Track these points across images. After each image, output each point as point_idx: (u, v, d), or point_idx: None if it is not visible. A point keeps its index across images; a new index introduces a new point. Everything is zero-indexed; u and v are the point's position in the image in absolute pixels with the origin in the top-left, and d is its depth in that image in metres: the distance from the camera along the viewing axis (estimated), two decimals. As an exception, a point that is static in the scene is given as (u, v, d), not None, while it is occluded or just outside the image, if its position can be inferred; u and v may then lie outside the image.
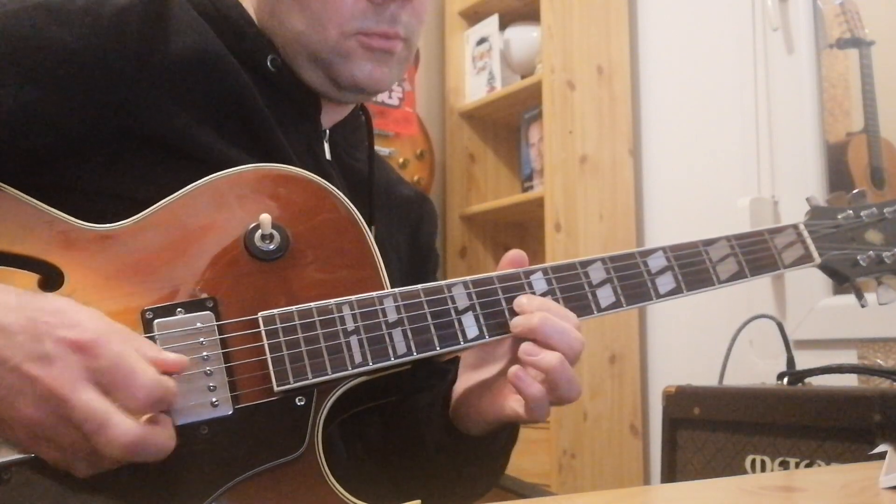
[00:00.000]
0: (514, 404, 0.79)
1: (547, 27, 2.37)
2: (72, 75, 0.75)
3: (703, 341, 2.14)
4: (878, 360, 1.79)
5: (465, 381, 0.86)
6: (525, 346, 0.77)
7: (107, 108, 0.77)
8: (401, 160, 2.67)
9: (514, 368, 0.77)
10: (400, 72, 0.94)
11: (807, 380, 1.39)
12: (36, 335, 0.61)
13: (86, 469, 0.64)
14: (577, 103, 2.37)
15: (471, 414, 0.84)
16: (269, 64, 0.89)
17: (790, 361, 1.51)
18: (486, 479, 0.94)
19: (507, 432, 0.88)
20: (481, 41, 2.73)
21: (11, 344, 0.61)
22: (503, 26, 2.68)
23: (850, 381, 1.60)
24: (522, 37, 2.64)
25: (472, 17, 2.80)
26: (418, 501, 0.70)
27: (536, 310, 0.77)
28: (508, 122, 2.78)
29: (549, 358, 0.75)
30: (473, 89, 2.75)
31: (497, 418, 0.82)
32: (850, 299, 1.00)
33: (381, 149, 2.60)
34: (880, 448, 1.00)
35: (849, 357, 1.84)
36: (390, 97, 2.63)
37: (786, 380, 1.40)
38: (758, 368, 1.83)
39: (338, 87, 0.92)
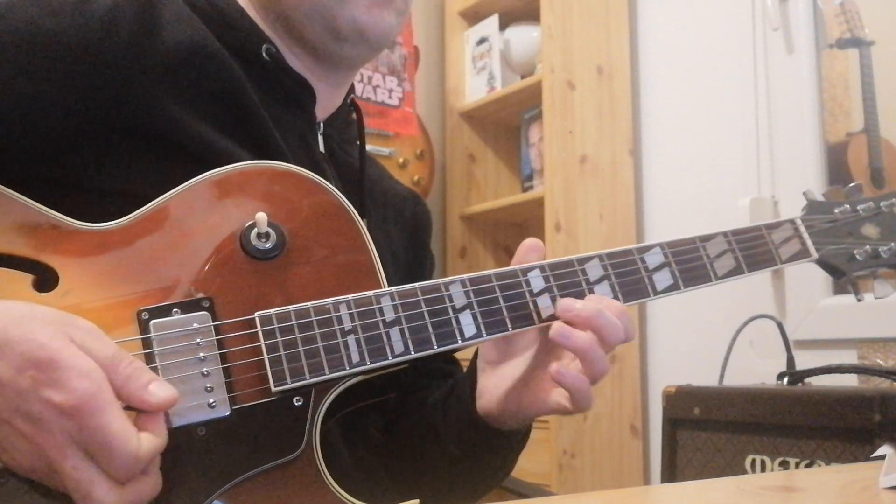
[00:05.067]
0: (558, 398, 0.80)
1: (547, 27, 2.37)
2: (64, 69, 0.75)
3: (703, 341, 2.14)
4: (878, 360, 1.79)
5: (495, 380, 0.85)
6: (558, 328, 0.78)
7: (100, 103, 0.77)
8: (401, 160, 2.66)
9: (555, 366, 0.78)
10: (398, 23, 0.95)
11: (807, 380, 1.39)
12: (21, 392, 0.60)
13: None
14: (577, 103, 2.37)
15: (509, 412, 0.84)
16: (263, 53, 0.90)
17: (790, 361, 1.51)
18: (501, 473, 0.95)
19: (523, 427, 0.89)
20: (481, 41, 2.73)
21: (1, 395, 0.60)
22: (503, 26, 2.68)
23: (850, 381, 1.60)
24: (522, 37, 2.64)
25: (472, 17, 2.80)
26: (416, 501, 0.69)
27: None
28: (508, 122, 2.78)
29: (582, 338, 0.76)
30: (473, 89, 2.75)
31: (539, 413, 0.83)
32: (850, 299, 1.00)
33: (381, 149, 2.60)
34: (881, 451, 1.00)
35: (849, 357, 1.84)
36: (390, 97, 2.63)
37: (786, 380, 1.40)
38: (758, 368, 1.83)
39: (339, 40, 0.92)
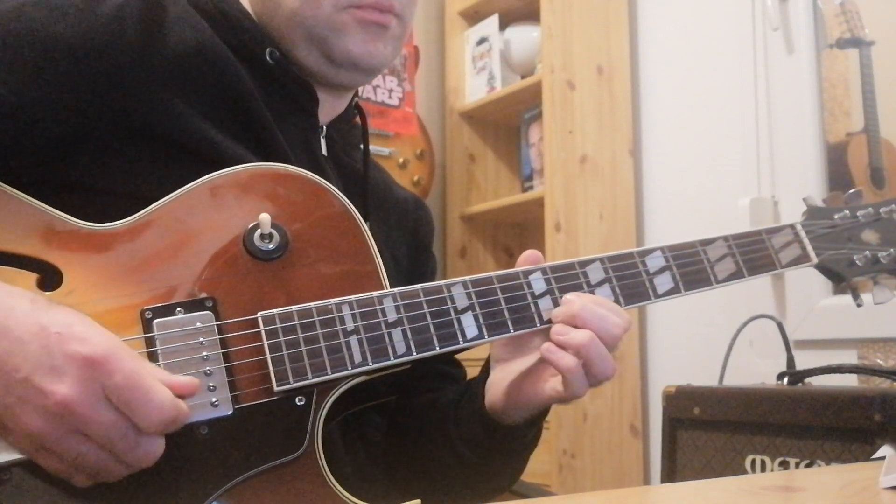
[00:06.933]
0: (553, 383, 0.81)
1: (547, 27, 2.37)
2: (71, 71, 0.75)
3: (703, 341, 2.14)
4: (878, 360, 1.79)
5: (501, 374, 0.86)
6: (556, 328, 0.79)
7: (106, 104, 0.77)
8: (401, 160, 2.66)
9: (546, 344, 0.78)
10: (394, 50, 0.95)
11: (807, 380, 1.39)
12: (46, 347, 0.61)
13: (84, 481, 0.64)
14: (577, 103, 2.37)
15: (511, 404, 0.84)
16: (267, 56, 0.90)
17: (790, 361, 1.51)
18: (508, 476, 0.95)
19: (535, 427, 0.89)
20: (481, 41, 2.73)
21: (21, 352, 0.61)
22: (503, 26, 2.68)
23: (850, 381, 1.60)
24: (522, 37, 2.64)
25: (472, 17, 2.80)
26: (417, 501, 0.70)
27: (581, 302, 0.79)
28: (508, 122, 2.78)
29: (579, 335, 0.77)
30: (473, 89, 2.75)
31: (537, 402, 0.83)
32: (850, 299, 1.00)
33: (381, 149, 2.60)
34: (881, 451, 1.00)
35: (849, 357, 1.84)
36: (390, 97, 2.63)
37: (786, 380, 1.40)
38: (758, 368, 1.83)
39: (334, 66, 0.92)
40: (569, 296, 0.80)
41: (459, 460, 0.89)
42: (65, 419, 0.60)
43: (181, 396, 0.65)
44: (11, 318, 0.62)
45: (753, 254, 0.91)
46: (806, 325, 1.97)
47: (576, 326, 0.78)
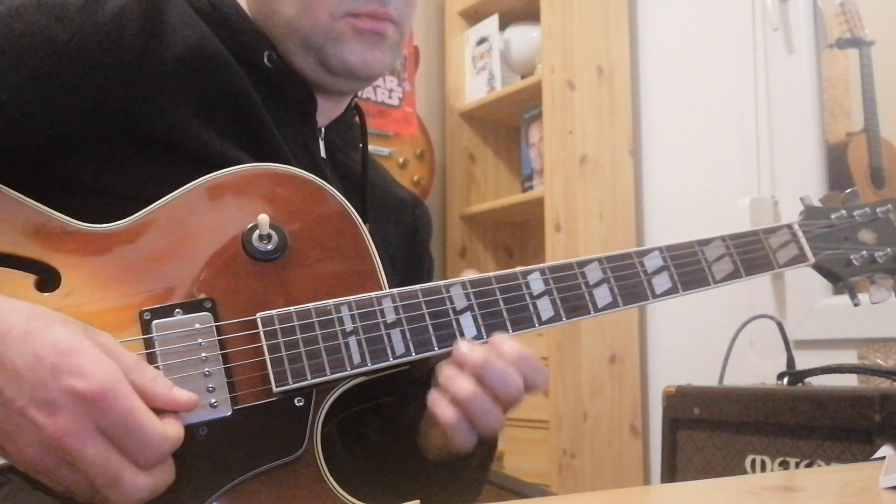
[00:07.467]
0: (441, 431, 0.78)
1: (547, 27, 2.37)
2: (70, 74, 0.75)
3: (703, 341, 2.14)
4: (878, 360, 1.79)
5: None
6: (444, 377, 0.76)
7: (105, 106, 0.77)
8: (401, 160, 2.66)
9: (432, 392, 0.77)
10: (392, 57, 0.94)
11: (807, 380, 1.39)
12: (41, 379, 0.60)
13: (83, 500, 0.64)
14: (577, 103, 2.37)
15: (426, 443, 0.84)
16: (265, 59, 0.90)
17: (790, 361, 1.51)
18: (466, 493, 0.93)
19: (479, 454, 0.85)
20: (481, 41, 2.73)
21: (17, 383, 0.60)
22: (503, 26, 2.68)
23: (850, 381, 1.60)
24: (522, 37, 2.64)
25: (472, 17, 2.80)
26: (417, 501, 0.70)
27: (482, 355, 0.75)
28: (508, 122, 2.78)
29: (463, 388, 0.74)
30: (473, 89, 2.75)
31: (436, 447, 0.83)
32: (849, 299, 1.01)
33: (381, 149, 2.60)
34: (881, 451, 1.00)
35: (849, 357, 1.84)
36: (390, 97, 2.63)
37: (786, 380, 1.40)
38: (758, 368, 1.83)
39: (331, 74, 0.92)
40: (475, 346, 0.76)
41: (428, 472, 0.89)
42: (59, 452, 0.60)
43: (181, 411, 0.66)
44: (6, 344, 0.60)
45: (751, 254, 0.91)
46: (806, 325, 1.97)
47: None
